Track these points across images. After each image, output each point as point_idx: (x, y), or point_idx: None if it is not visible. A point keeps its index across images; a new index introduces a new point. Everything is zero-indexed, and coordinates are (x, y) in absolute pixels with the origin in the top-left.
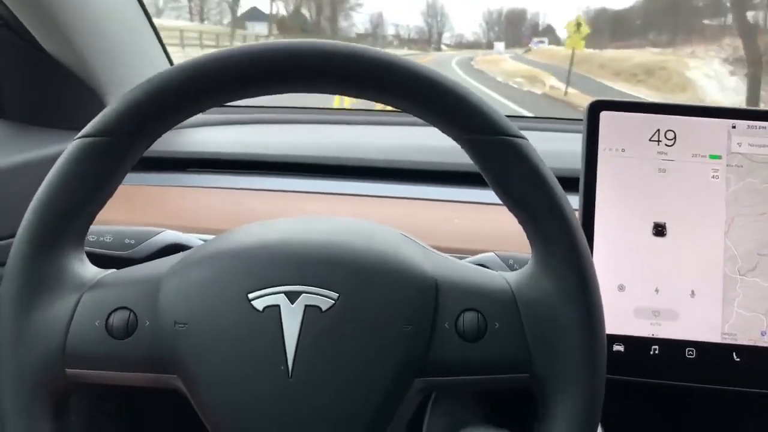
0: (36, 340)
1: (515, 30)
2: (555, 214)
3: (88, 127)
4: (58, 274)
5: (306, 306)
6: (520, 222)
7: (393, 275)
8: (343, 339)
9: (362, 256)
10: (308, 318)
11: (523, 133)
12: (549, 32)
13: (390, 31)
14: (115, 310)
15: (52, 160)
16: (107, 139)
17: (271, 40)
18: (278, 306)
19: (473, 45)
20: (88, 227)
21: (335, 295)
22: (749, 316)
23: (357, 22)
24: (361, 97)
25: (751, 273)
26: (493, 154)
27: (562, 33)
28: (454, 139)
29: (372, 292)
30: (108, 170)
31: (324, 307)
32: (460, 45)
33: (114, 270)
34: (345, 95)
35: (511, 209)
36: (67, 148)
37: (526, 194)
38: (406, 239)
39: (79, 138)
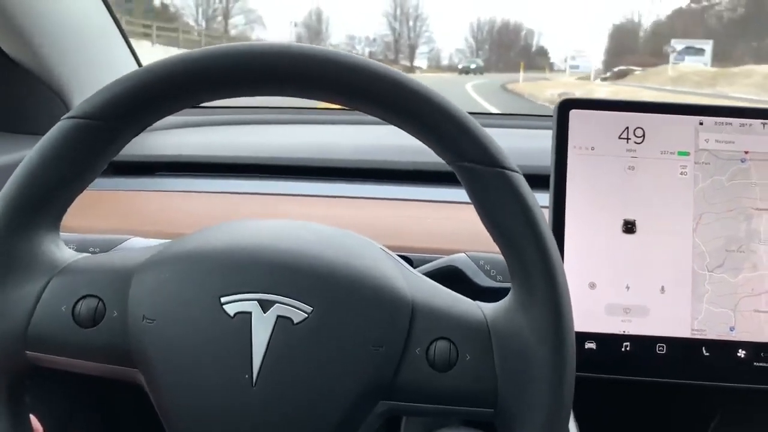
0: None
1: (504, 51)
2: (540, 255)
3: (77, 108)
4: (31, 255)
5: (278, 316)
6: (503, 253)
7: (370, 295)
8: (312, 354)
9: (341, 271)
10: (279, 329)
11: (494, 130)
12: (541, 55)
13: (338, 39)
14: (84, 297)
15: (16, 165)
16: (95, 122)
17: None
18: (250, 313)
19: (455, 68)
20: (66, 209)
21: (309, 308)
22: (718, 312)
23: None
24: (357, 109)
25: (719, 269)
26: (487, 185)
27: (555, 57)
28: (447, 162)
29: (347, 309)
30: (92, 154)
31: (296, 320)
32: (440, 66)
33: (88, 255)
34: (340, 105)
35: (495, 239)
36: (53, 127)
37: (514, 230)
38: (386, 256)
39: (66, 118)
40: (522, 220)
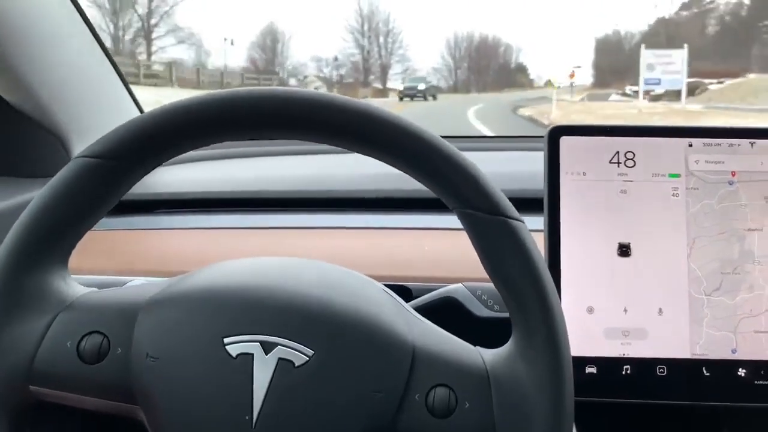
0: (5, 353)
1: (484, 69)
2: (541, 305)
3: (89, 149)
4: (38, 290)
5: (279, 359)
6: (505, 300)
7: (371, 340)
8: (312, 397)
9: (343, 315)
10: (280, 371)
11: (486, 154)
12: (520, 72)
13: (301, 60)
14: (89, 333)
15: (17, 209)
16: (106, 161)
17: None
18: (252, 355)
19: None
20: (74, 246)
21: (310, 352)
22: (719, 335)
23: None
24: (360, 153)
25: (716, 292)
26: (489, 233)
27: (534, 72)
28: (450, 207)
29: (348, 354)
30: (103, 192)
31: (297, 363)
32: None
33: (95, 290)
34: (341, 148)
35: (497, 287)
36: (66, 165)
37: (516, 279)
38: (388, 298)
39: (79, 157)
40: (524, 270)
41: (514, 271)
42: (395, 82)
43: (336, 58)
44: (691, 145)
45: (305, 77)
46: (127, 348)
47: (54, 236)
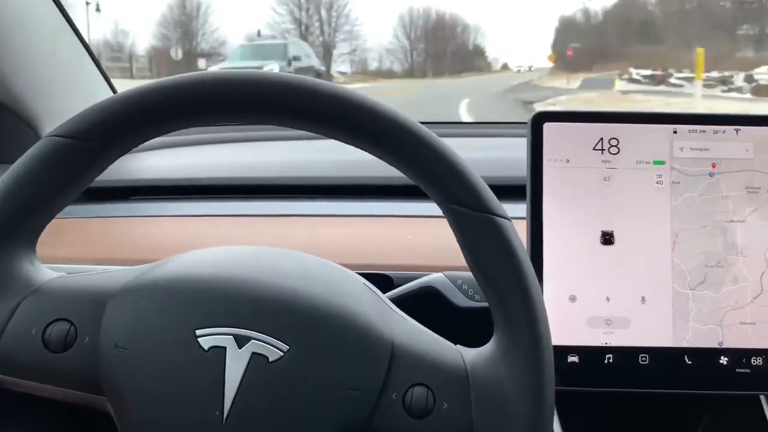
0: None
1: (441, 52)
2: (524, 307)
3: (60, 127)
4: (4, 274)
5: (253, 353)
6: (488, 299)
7: (349, 336)
8: (286, 393)
9: (321, 310)
10: (253, 366)
11: (469, 140)
12: (477, 54)
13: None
14: (55, 321)
15: None
16: (78, 141)
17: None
18: (224, 348)
19: (388, 74)
20: (43, 228)
21: (285, 347)
22: (705, 329)
23: None
24: (344, 142)
25: (701, 286)
26: (475, 230)
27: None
28: (436, 202)
29: (324, 350)
30: (74, 173)
31: (272, 358)
32: (366, 72)
33: (63, 275)
34: (324, 136)
35: (480, 285)
36: (36, 144)
37: (501, 279)
38: (368, 292)
39: (50, 136)
40: (508, 270)
41: (499, 270)
42: (343, 64)
43: (259, 33)
44: (675, 132)
45: (223, 59)
46: (95, 337)
47: (21, 217)
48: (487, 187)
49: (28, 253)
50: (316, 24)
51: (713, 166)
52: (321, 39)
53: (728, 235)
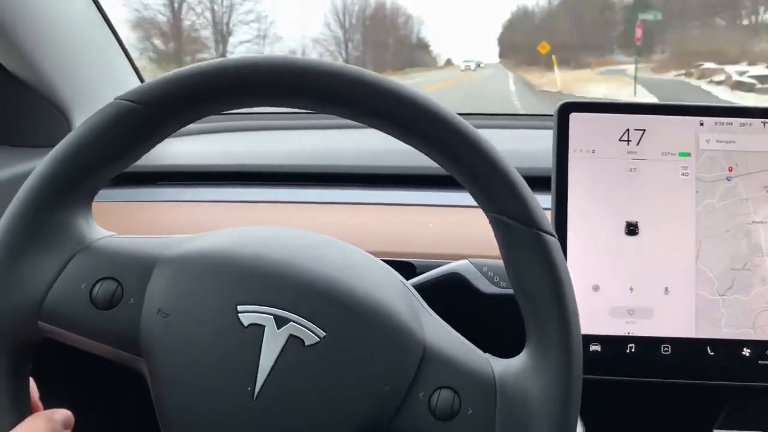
0: (18, 284)
1: (380, 42)
2: (561, 327)
3: (130, 92)
4: (60, 227)
5: (290, 335)
6: (522, 309)
7: (385, 331)
8: (316, 379)
9: (360, 302)
10: (289, 348)
11: (494, 131)
12: (422, 48)
13: None
14: (104, 279)
15: (19, 179)
16: (144, 108)
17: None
18: (263, 327)
19: None
20: (100, 188)
21: (322, 333)
22: (738, 332)
23: None
24: (398, 138)
25: (730, 291)
26: (521, 244)
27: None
28: (484, 210)
29: (359, 341)
30: (136, 138)
31: (308, 342)
32: None
33: (115, 234)
34: (381, 131)
35: (518, 297)
36: (105, 105)
37: (540, 293)
38: (405, 290)
39: (119, 99)
40: (550, 288)
41: (540, 285)
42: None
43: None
44: (702, 124)
45: None
46: (140, 300)
47: (83, 175)
48: (539, 203)
49: (84, 210)
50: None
51: (730, 170)
52: (213, 19)
53: (752, 237)
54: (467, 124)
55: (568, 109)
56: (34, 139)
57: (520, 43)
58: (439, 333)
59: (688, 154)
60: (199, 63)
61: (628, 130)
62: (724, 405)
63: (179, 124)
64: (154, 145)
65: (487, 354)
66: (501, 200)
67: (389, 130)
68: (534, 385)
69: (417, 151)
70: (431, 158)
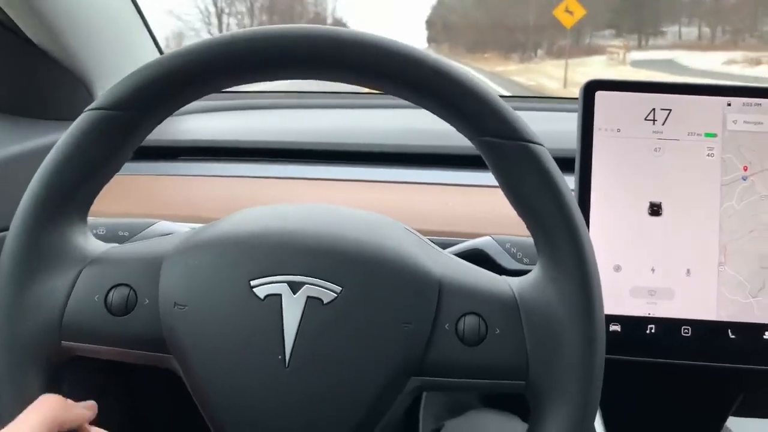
0: (34, 310)
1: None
2: (566, 227)
3: (99, 100)
4: (60, 247)
5: (308, 297)
6: (529, 228)
7: (398, 272)
8: (343, 333)
9: (368, 250)
10: (309, 309)
11: (520, 113)
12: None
13: None
14: (115, 286)
15: (43, 151)
16: (118, 112)
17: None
18: (280, 295)
19: None
20: (92, 200)
21: (338, 288)
22: (761, 315)
23: None
24: (373, 88)
25: (762, 292)
26: (510, 159)
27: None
28: (469, 138)
29: (375, 287)
30: (117, 144)
31: (326, 300)
32: None
33: (116, 245)
34: (359, 85)
35: (521, 215)
36: (78, 118)
37: (539, 204)
38: (410, 234)
39: (90, 110)
40: (547, 193)
41: (537, 194)
42: None
43: None
44: (729, 105)
45: None
46: (155, 298)
47: (70, 192)
48: (519, 116)
49: (80, 226)
50: None
51: (745, 170)
52: None
53: None
54: (424, 52)
55: (593, 87)
56: (57, 112)
57: (459, 24)
58: (452, 265)
59: (715, 135)
60: (164, 54)
61: (654, 109)
62: (740, 393)
63: (157, 118)
64: (140, 142)
65: (503, 275)
66: (480, 122)
67: (355, 80)
68: (553, 291)
69: (435, 131)
70: (399, 96)
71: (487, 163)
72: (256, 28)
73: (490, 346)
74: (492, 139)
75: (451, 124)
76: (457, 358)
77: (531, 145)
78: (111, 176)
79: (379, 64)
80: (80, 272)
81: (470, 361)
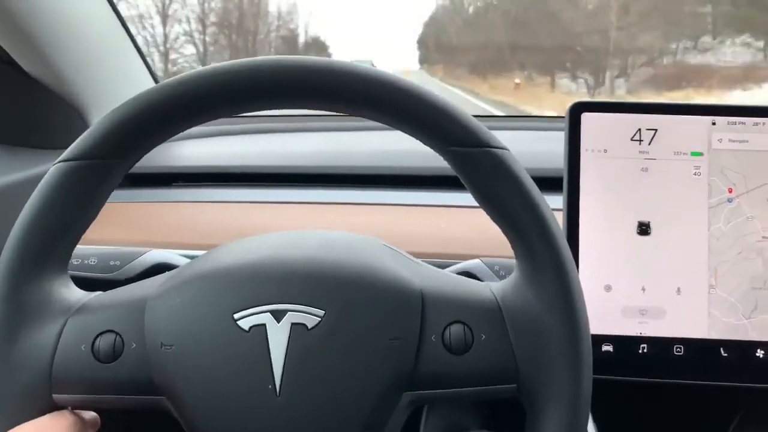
0: (22, 368)
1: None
2: (538, 227)
3: (69, 151)
4: (43, 301)
5: (292, 324)
6: (504, 232)
7: (378, 289)
8: (331, 356)
9: (347, 271)
10: (294, 336)
11: (505, 133)
12: (316, 47)
13: None
14: (101, 333)
15: (37, 180)
16: (88, 162)
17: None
18: (264, 325)
19: None
20: (72, 251)
21: (321, 312)
22: (753, 335)
23: None
24: (338, 111)
25: (755, 312)
26: (476, 166)
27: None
28: (437, 152)
29: (358, 307)
30: (90, 193)
31: (310, 325)
32: None
33: (99, 293)
34: (325, 111)
35: (494, 220)
36: (48, 172)
37: (509, 206)
38: (388, 250)
39: (60, 162)
40: (516, 195)
41: (507, 198)
42: None
43: None
44: (714, 124)
45: None
46: (141, 341)
47: (48, 246)
48: (481, 124)
49: (61, 277)
50: None
51: (729, 191)
52: None
53: (765, 253)
54: (386, 72)
55: (579, 108)
56: (52, 141)
57: (454, 45)
58: (433, 276)
59: (701, 154)
60: (128, 99)
61: (639, 129)
62: (738, 409)
63: (129, 162)
64: (114, 187)
65: (485, 281)
66: (443, 133)
67: (312, 104)
68: (533, 291)
69: (425, 152)
70: (366, 117)
71: (457, 174)
72: (217, 64)
73: (477, 353)
74: (457, 149)
75: (420, 140)
76: (447, 368)
77: (494, 150)
78: (88, 224)
79: (330, 86)
80: (65, 323)
81: (460, 369)
